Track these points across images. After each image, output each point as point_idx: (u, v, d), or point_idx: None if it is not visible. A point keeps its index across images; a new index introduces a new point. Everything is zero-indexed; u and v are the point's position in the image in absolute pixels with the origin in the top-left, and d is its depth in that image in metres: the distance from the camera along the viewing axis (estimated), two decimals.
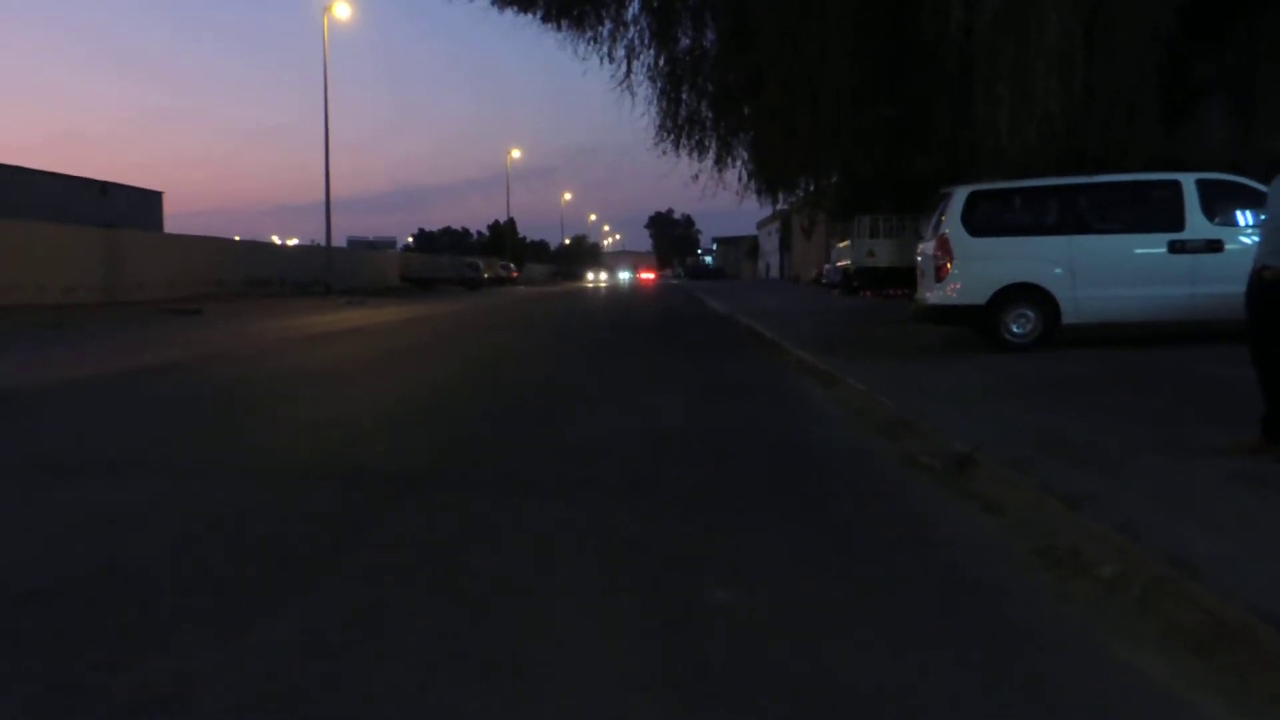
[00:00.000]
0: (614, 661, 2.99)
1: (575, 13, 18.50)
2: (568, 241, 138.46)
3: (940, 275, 11.34)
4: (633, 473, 5.80)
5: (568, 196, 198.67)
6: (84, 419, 8.10)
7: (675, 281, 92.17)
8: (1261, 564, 3.34)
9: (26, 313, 24.73)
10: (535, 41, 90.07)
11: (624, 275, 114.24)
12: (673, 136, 20.04)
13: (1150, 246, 10.72)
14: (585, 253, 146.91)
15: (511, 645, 3.11)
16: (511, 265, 74.47)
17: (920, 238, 14.24)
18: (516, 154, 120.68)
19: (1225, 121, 14.23)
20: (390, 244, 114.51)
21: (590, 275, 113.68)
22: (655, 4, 18.60)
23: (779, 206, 30.97)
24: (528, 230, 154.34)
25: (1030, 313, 10.95)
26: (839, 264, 34.28)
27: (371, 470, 5.86)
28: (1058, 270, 10.82)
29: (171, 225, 56.29)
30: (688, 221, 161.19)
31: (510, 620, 3.33)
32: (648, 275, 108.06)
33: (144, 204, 52.70)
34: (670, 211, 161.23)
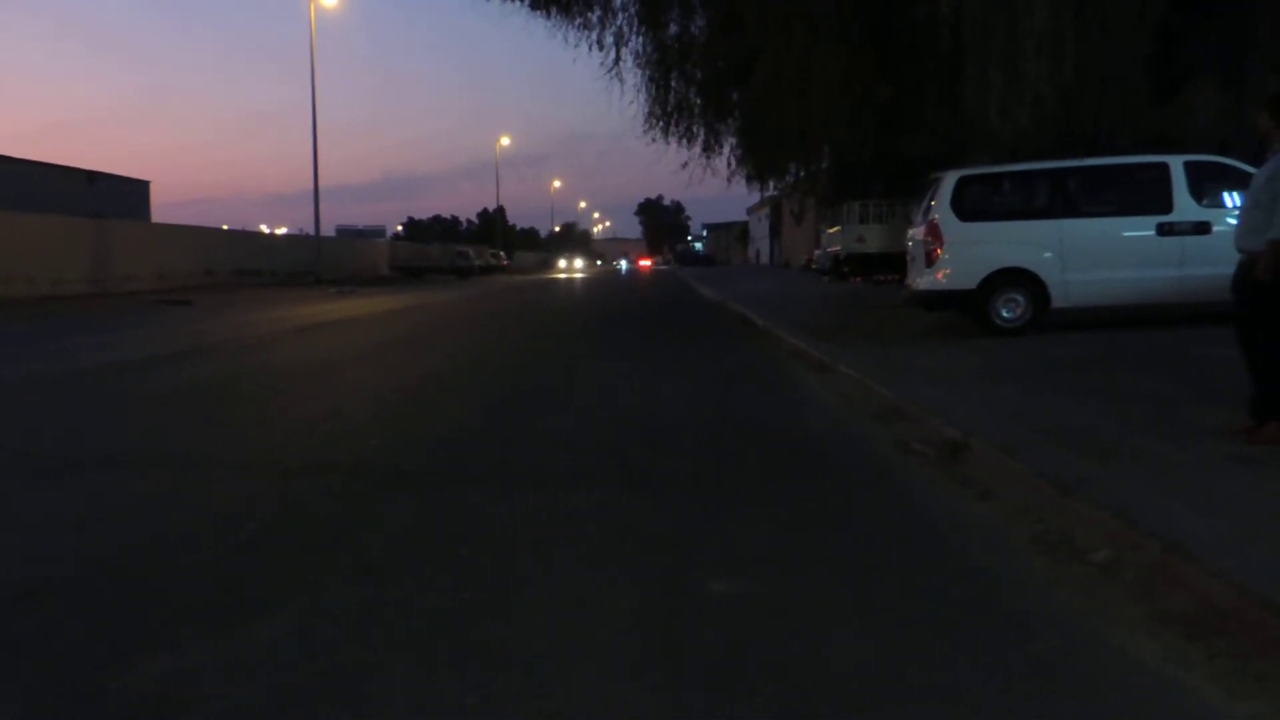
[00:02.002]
0: (612, 650, 3.00)
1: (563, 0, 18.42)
2: (557, 229, 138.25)
3: (930, 260, 11.35)
4: (627, 462, 5.80)
5: (557, 184, 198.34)
6: (77, 413, 8.07)
7: (665, 268, 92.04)
8: (1254, 546, 3.35)
9: (17, 306, 24.58)
10: (524, 28, 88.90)
11: (623, 264, 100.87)
12: (662, 123, 20.01)
13: (1139, 229, 10.75)
14: (576, 240, 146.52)
15: (511, 636, 3.11)
16: (502, 254, 74.33)
17: (910, 223, 14.24)
18: (506, 142, 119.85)
19: (1216, 99, 14.22)
20: (380, 233, 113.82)
21: (563, 263, 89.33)
22: None
23: (768, 192, 30.96)
24: (518, 218, 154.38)
25: (1020, 297, 10.98)
26: (829, 250, 34.25)
27: (367, 464, 5.85)
28: (1047, 254, 10.84)
29: (159, 215, 56.06)
30: (678, 208, 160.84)
31: (509, 611, 3.34)
32: (645, 263, 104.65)
33: (132, 194, 52.37)
34: (660, 198, 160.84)
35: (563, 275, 66.57)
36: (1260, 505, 3.89)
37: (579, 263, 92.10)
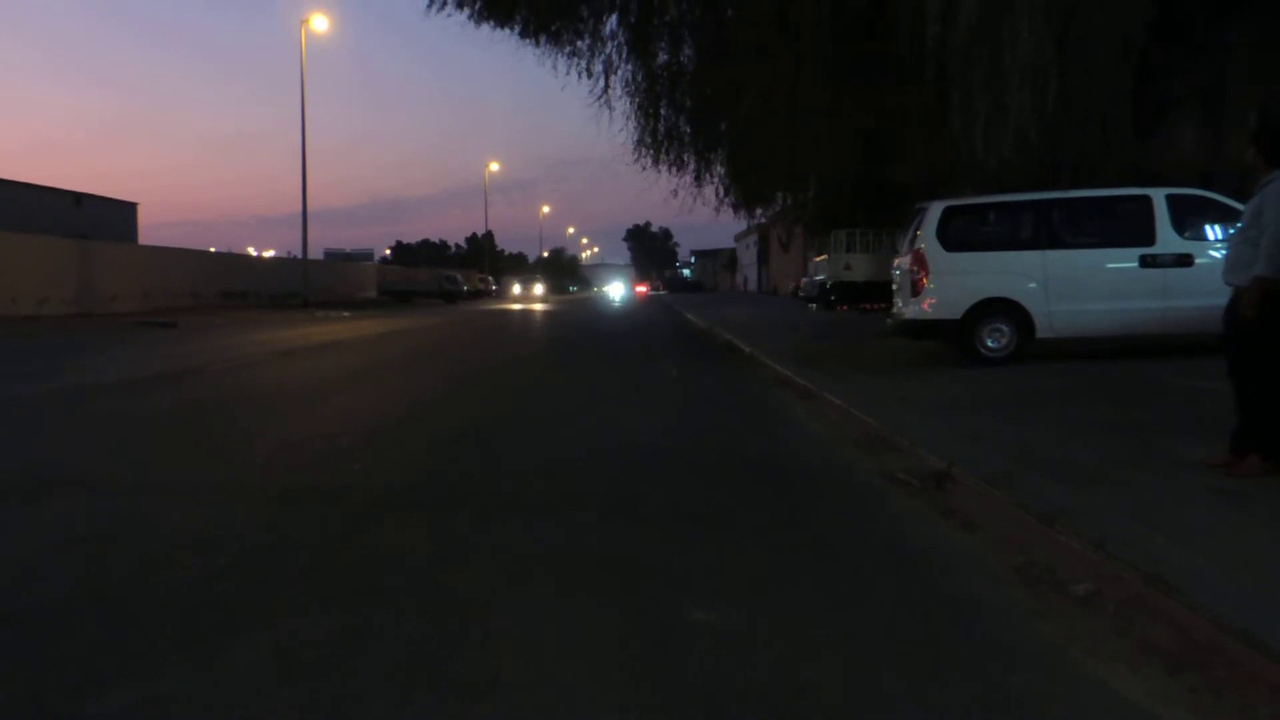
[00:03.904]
0: (593, 681, 2.98)
1: (553, 28, 18.50)
2: (546, 254, 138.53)
3: (916, 289, 11.41)
4: (611, 490, 5.79)
5: (546, 209, 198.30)
6: (53, 437, 8.00)
7: (652, 293, 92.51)
8: (1235, 580, 3.37)
9: (1, 326, 24.43)
10: (513, 56, 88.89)
11: (620, 291, 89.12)
12: (651, 151, 20.07)
13: (1122, 261, 10.84)
14: (564, 266, 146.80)
15: (491, 667, 3.09)
16: (490, 278, 74.51)
17: (896, 252, 14.33)
18: (495, 167, 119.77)
19: (1196, 132, 14.42)
20: (368, 256, 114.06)
21: (517, 288, 76.18)
22: (633, 20, 18.63)
23: (756, 220, 31.13)
24: (506, 243, 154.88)
25: (1005, 327, 11.04)
26: (816, 278, 34.40)
27: (349, 489, 5.81)
28: (1031, 285, 10.92)
29: (146, 237, 55.94)
30: (665, 234, 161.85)
31: (489, 641, 3.31)
32: (641, 288, 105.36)
33: (118, 215, 52.34)
34: (648, 225, 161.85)
35: (517, 307, 47.57)
36: (1240, 539, 3.91)
37: (538, 288, 76.05)
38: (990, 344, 11.08)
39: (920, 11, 11.78)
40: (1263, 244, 4.92)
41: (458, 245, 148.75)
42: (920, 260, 11.36)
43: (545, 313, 39.41)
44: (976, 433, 6.62)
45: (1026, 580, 3.86)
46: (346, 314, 34.91)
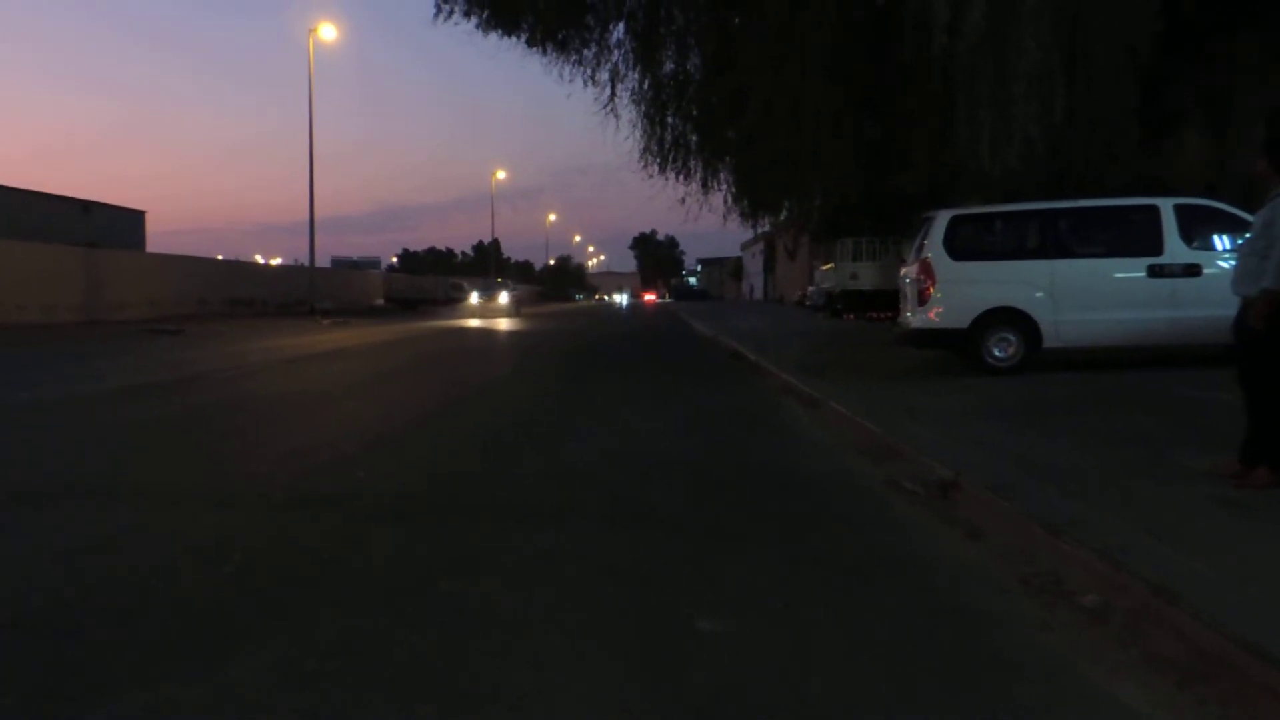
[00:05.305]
0: (599, 692, 2.96)
1: (559, 37, 18.54)
2: (552, 262, 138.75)
3: (923, 299, 11.40)
4: (616, 499, 5.78)
5: (552, 217, 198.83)
6: (57, 444, 8.01)
7: (659, 301, 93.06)
8: (1242, 591, 3.34)
9: (7, 333, 24.50)
10: (520, 64, 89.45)
11: (626, 299, 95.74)
12: (657, 159, 20.05)
13: (1129, 270, 10.81)
14: (570, 274, 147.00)
15: (496, 676, 3.08)
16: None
17: (903, 261, 14.31)
18: (501, 175, 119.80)
19: (1202, 143, 14.41)
20: (374, 264, 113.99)
21: (476, 298, 55.78)
22: (639, 29, 18.67)
23: (762, 229, 31.15)
24: (513, 251, 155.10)
25: (1012, 336, 11.01)
26: (823, 286, 34.43)
27: (353, 496, 5.80)
28: (1039, 294, 10.90)
29: (154, 244, 56.26)
30: (671, 243, 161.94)
31: (494, 650, 3.30)
32: (649, 296, 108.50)
33: (126, 223, 52.49)
34: (654, 233, 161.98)
35: (475, 323, 35.29)
36: (1247, 550, 3.88)
37: (504, 298, 56.36)
38: (997, 353, 11.06)
39: (926, 21, 11.78)
40: (1273, 255, 4.90)
41: (464, 253, 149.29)
42: (927, 269, 11.35)
43: (547, 321, 39.41)
44: (982, 442, 6.60)
45: (1032, 590, 3.84)
46: (352, 322, 34.96)
